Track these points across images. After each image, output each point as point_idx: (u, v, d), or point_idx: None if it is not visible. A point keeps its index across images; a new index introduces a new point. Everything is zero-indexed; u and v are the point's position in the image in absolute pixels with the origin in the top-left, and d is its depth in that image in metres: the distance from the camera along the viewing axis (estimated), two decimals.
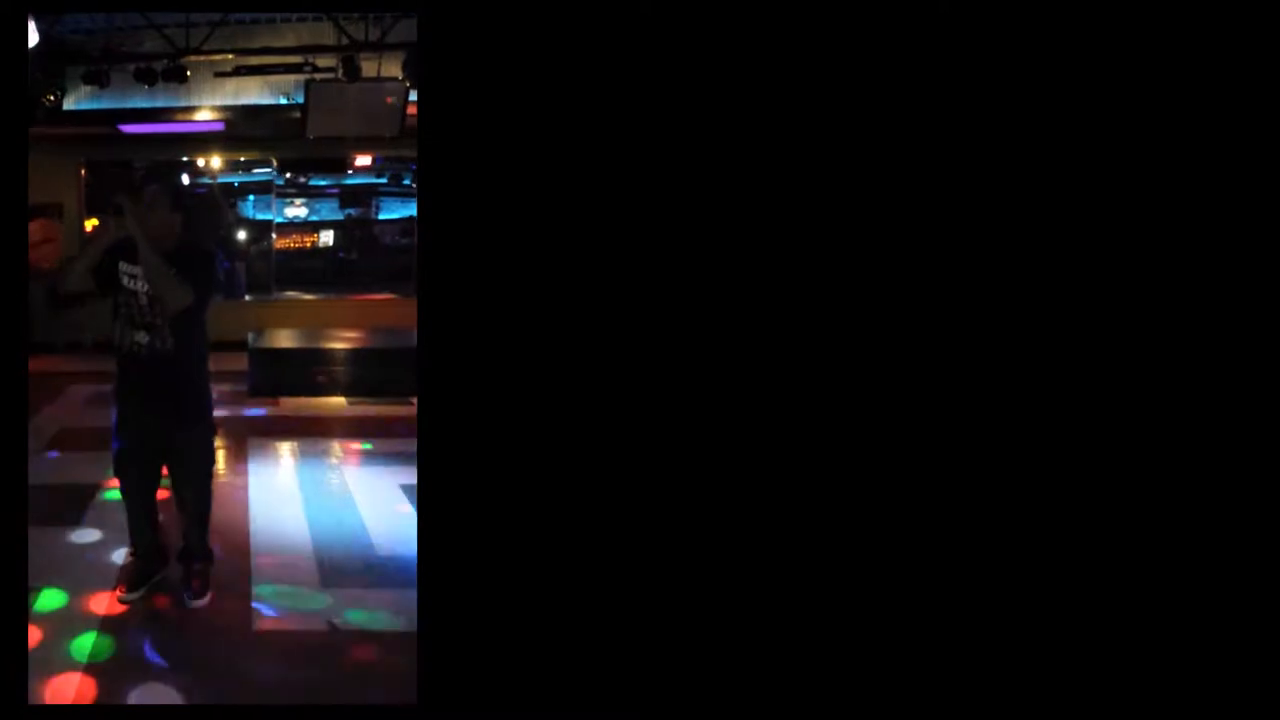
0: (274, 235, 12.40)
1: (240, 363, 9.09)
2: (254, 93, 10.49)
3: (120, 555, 4.49)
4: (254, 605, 4.03)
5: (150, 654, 3.60)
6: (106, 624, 3.82)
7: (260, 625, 3.87)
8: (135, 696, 3.28)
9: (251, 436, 7.15)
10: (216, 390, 8.92)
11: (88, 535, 4.89)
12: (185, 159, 11.97)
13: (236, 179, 12.44)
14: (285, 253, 12.56)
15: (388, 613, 4.00)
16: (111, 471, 4.11)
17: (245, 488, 5.81)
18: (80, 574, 4.33)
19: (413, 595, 4.11)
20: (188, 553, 4.13)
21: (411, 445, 7.07)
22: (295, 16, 9.53)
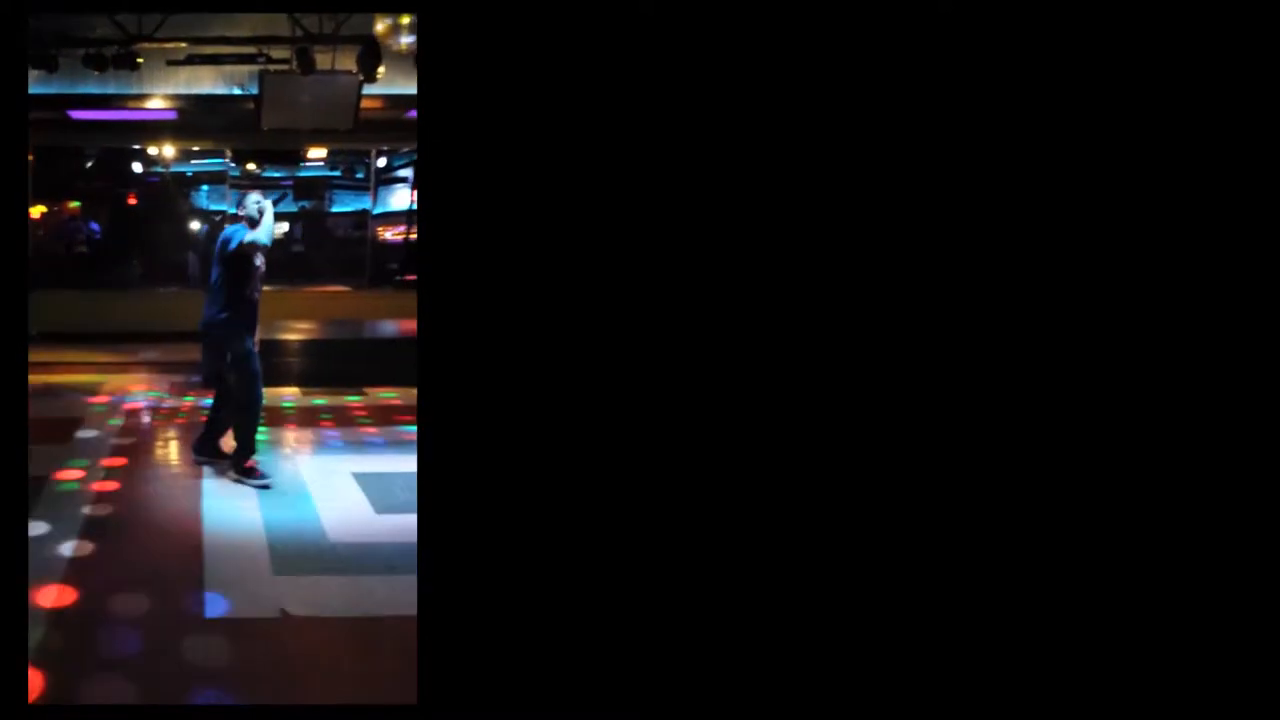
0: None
1: (193, 353, 9.05)
2: (207, 82, 10.40)
3: (69, 548, 4.58)
4: (205, 594, 4.06)
5: (102, 645, 3.62)
6: (56, 617, 3.83)
7: (211, 613, 3.90)
8: (86, 689, 3.29)
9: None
10: (169, 382, 8.82)
11: (37, 528, 4.88)
12: (137, 147, 11.86)
13: (190, 168, 12.34)
14: None
15: (339, 600, 4.05)
16: None
17: (198, 477, 5.81)
18: (31, 567, 4.32)
19: (364, 582, 4.18)
20: (236, 453, 5.75)
21: (363, 435, 7.06)
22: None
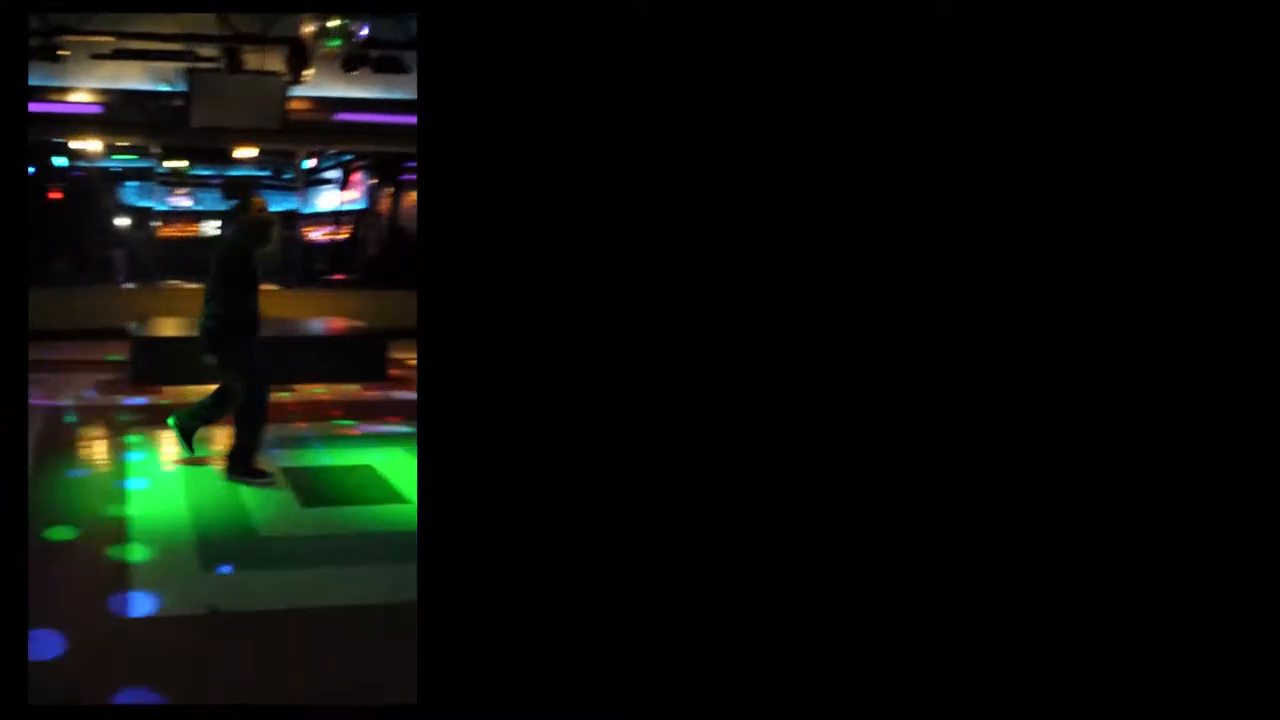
0: (157, 223, 12.19)
1: (122, 351, 8.98)
2: (134, 78, 10.29)
3: None
4: (133, 592, 4.08)
5: (31, 649, 3.60)
6: None
7: (140, 611, 3.90)
8: None
9: (133, 425, 7.10)
10: (95, 379, 8.74)
11: None
12: (61, 140, 11.69)
13: (116, 164, 12.19)
14: (169, 241, 12.36)
15: (268, 594, 4.09)
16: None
17: (125, 474, 5.80)
18: None
19: (291, 576, 4.23)
20: (238, 454, 5.69)
21: (288, 431, 7.08)
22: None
